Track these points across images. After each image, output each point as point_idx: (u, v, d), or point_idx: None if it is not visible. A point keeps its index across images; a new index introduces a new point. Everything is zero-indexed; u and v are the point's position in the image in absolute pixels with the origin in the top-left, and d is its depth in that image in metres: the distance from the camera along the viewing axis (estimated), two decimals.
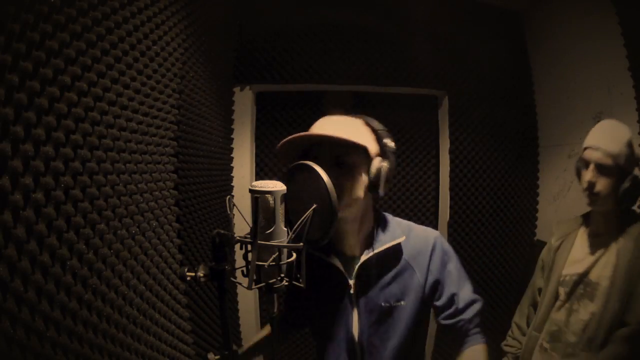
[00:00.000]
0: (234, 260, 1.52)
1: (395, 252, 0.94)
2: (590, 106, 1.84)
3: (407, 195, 2.32)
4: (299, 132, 0.83)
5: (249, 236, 0.64)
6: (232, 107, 2.09)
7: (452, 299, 0.94)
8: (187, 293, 1.41)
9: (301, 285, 0.66)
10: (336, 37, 2.13)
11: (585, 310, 1.17)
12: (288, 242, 0.66)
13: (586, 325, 1.16)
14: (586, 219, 1.30)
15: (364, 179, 0.88)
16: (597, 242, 1.21)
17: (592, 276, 1.18)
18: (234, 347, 0.72)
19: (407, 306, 0.92)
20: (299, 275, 0.67)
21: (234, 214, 0.69)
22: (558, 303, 1.25)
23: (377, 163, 0.87)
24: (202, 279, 0.66)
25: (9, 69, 0.66)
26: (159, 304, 1.19)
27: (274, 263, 0.64)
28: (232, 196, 1.40)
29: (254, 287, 0.64)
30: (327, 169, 0.73)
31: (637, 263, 1.09)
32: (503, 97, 2.27)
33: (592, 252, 1.21)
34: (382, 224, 0.97)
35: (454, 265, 0.96)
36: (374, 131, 0.91)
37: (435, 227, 2.32)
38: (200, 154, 1.61)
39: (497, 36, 2.26)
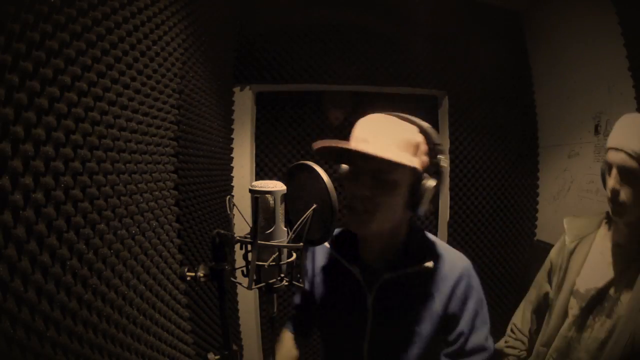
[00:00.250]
0: (234, 260, 1.52)
1: (419, 275, 0.86)
2: (590, 106, 1.84)
3: None
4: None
5: (249, 236, 0.64)
6: (232, 107, 2.09)
7: (459, 338, 0.85)
8: (187, 293, 1.41)
9: (301, 285, 0.67)
10: (336, 37, 2.13)
11: (602, 328, 1.02)
12: (288, 242, 0.67)
13: (602, 343, 1.02)
14: (606, 221, 1.12)
15: (403, 197, 0.80)
16: (619, 253, 1.05)
17: (612, 291, 1.03)
18: (234, 347, 0.72)
19: (422, 333, 0.86)
20: (299, 276, 0.67)
21: (234, 214, 0.69)
22: (570, 318, 1.10)
23: (425, 183, 0.78)
24: (202, 279, 0.66)
25: (9, 69, 0.66)
26: (159, 304, 1.19)
27: (274, 263, 0.64)
28: (232, 196, 1.40)
29: (254, 287, 0.64)
30: (365, 180, 0.68)
31: None
32: (503, 97, 2.26)
33: (613, 264, 1.05)
34: (413, 242, 0.89)
35: (474, 303, 0.86)
36: (429, 143, 0.82)
37: (435, 227, 2.33)
38: (200, 154, 1.61)
39: (497, 36, 2.26)
